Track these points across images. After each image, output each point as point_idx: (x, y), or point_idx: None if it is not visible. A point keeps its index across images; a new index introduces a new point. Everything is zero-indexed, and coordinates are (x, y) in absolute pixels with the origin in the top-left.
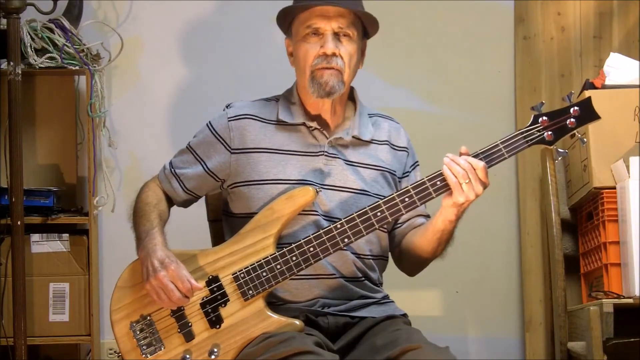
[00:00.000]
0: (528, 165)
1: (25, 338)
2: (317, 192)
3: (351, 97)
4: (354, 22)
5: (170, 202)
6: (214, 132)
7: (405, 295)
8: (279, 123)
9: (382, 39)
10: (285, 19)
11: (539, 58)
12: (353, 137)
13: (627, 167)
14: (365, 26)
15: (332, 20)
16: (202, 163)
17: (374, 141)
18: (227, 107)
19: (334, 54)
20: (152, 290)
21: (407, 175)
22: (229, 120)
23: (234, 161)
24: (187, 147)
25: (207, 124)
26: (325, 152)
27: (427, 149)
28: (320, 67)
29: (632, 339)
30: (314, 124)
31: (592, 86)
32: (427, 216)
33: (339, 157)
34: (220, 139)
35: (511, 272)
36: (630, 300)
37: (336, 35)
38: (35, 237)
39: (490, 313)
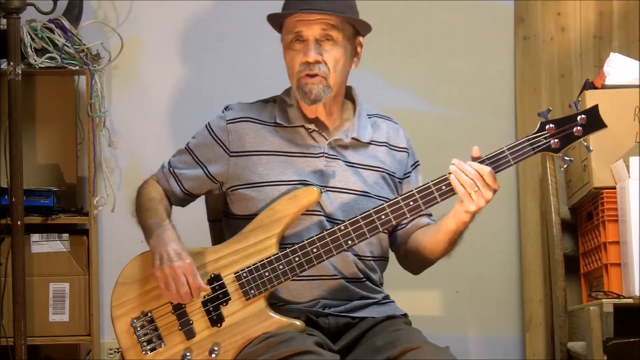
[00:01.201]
0: (528, 165)
1: (25, 338)
2: (321, 192)
3: (350, 96)
4: (339, 25)
5: (170, 200)
6: (212, 134)
7: (406, 295)
8: (277, 125)
9: (382, 39)
10: (275, 23)
11: (539, 58)
12: (352, 138)
13: (627, 167)
14: (355, 26)
15: (314, 25)
16: (201, 165)
17: (373, 142)
18: (225, 109)
19: (316, 62)
20: (162, 278)
21: (408, 176)
22: (227, 123)
23: (233, 164)
24: (185, 147)
25: (205, 126)
26: (325, 153)
27: (427, 149)
28: (304, 74)
29: (632, 339)
30: (312, 127)
31: (592, 86)
32: (430, 215)
33: (339, 159)
34: (219, 142)
35: (511, 272)
36: (630, 300)
37: (319, 40)
38: (35, 237)
39: (490, 313)
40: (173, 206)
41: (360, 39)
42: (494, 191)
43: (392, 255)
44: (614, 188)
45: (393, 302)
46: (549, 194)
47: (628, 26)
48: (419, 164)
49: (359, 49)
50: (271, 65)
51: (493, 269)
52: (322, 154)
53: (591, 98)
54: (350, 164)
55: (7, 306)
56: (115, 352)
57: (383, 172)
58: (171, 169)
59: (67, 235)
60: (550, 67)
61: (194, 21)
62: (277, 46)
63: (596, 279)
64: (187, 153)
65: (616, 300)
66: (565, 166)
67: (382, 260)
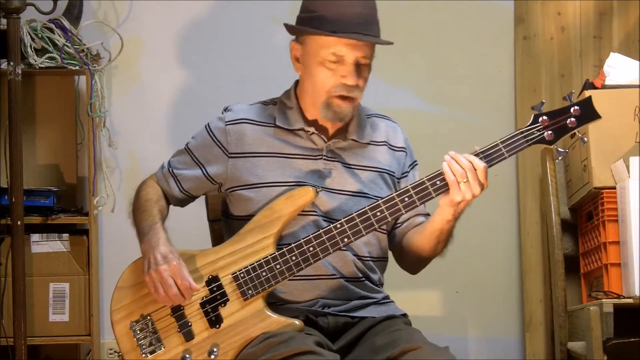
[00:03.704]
0: (528, 165)
1: (25, 338)
2: (317, 192)
3: None
4: (373, 49)
5: (168, 200)
6: (211, 135)
7: (405, 295)
8: (277, 127)
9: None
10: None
11: (539, 58)
12: (351, 139)
13: (627, 167)
14: None
15: (358, 50)
16: (200, 166)
17: (372, 143)
18: (224, 110)
19: (355, 85)
20: (150, 282)
21: (406, 176)
22: (227, 125)
23: (231, 165)
24: (185, 148)
25: (205, 127)
26: (324, 155)
27: (427, 149)
28: (338, 95)
29: (632, 339)
30: (311, 129)
31: (592, 86)
32: (427, 215)
33: (337, 161)
34: (218, 143)
35: (511, 272)
36: (630, 300)
37: (358, 64)
38: (35, 237)
39: (490, 313)
40: (172, 206)
41: None
42: (482, 189)
43: (391, 255)
44: (614, 188)
45: (393, 302)
46: (549, 194)
47: (628, 26)
48: (417, 164)
49: None
50: (271, 66)
51: (493, 269)
52: (321, 156)
53: None
54: (348, 166)
55: (7, 306)
56: (115, 354)
57: (382, 172)
58: (170, 169)
59: (67, 235)
60: (550, 67)
61: (194, 21)
62: (276, 46)
63: (596, 279)
64: (186, 153)
65: (616, 300)
66: (560, 158)
67: (381, 260)
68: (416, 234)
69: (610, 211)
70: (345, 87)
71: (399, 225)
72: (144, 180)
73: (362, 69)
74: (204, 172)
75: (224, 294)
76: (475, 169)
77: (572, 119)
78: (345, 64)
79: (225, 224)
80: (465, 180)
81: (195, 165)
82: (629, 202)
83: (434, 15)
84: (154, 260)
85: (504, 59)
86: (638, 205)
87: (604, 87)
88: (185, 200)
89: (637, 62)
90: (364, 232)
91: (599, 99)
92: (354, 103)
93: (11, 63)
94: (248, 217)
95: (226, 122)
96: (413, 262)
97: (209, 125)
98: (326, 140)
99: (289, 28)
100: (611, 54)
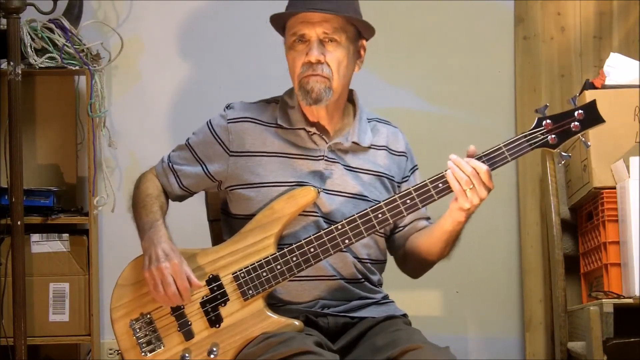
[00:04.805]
0: (528, 165)
1: (25, 338)
2: (318, 192)
3: (351, 100)
4: (342, 26)
5: (167, 195)
6: (213, 132)
7: (405, 295)
8: (278, 127)
9: (383, 39)
10: (278, 25)
11: (539, 58)
12: (352, 142)
13: (627, 167)
14: (358, 28)
15: (317, 26)
16: (201, 163)
17: (372, 147)
18: (227, 107)
19: (319, 62)
20: (150, 279)
21: (407, 180)
22: (228, 123)
23: (232, 164)
24: (186, 143)
25: (207, 123)
26: (325, 156)
27: (427, 149)
28: (306, 75)
29: (632, 339)
30: (313, 129)
31: (592, 86)
32: (428, 218)
33: (338, 162)
34: (219, 141)
35: (511, 272)
36: (630, 300)
37: (322, 41)
38: (35, 237)
39: (490, 313)
40: (171, 202)
41: (364, 42)
42: (489, 190)
43: (391, 256)
44: (614, 188)
45: (392, 302)
46: (549, 194)
47: (628, 26)
48: (417, 168)
49: (362, 52)
50: (271, 65)
51: (493, 269)
52: (322, 157)
53: (591, 98)
54: (349, 168)
55: (7, 306)
56: (115, 353)
57: (382, 176)
58: (170, 164)
59: (67, 235)
60: (550, 67)
61: (194, 21)
62: (277, 46)
63: (596, 279)
64: (187, 149)
65: (616, 300)
66: (563, 162)
67: (380, 263)
68: (422, 237)
69: (610, 211)
70: (310, 65)
71: (400, 229)
72: (143, 173)
73: (328, 46)
74: (205, 169)
75: (224, 294)
76: (478, 173)
77: (576, 123)
78: (309, 42)
79: (224, 222)
80: (471, 187)
81: (195, 161)
82: (629, 202)
83: (434, 15)
84: (155, 257)
85: (504, 59)
86: (638, 205)
87: (604, 87)
88: (184, 196)
89: (637, 62)
90: (365, 234)
91: (599, 99)
92: (327, 83)
93: (11, 63)
94: (248, 217)
95: (228, 120)
96: (417, 265)
97: (210, 122)
98: (327, 141)
99: (273, 26)
100: (611, 54)
